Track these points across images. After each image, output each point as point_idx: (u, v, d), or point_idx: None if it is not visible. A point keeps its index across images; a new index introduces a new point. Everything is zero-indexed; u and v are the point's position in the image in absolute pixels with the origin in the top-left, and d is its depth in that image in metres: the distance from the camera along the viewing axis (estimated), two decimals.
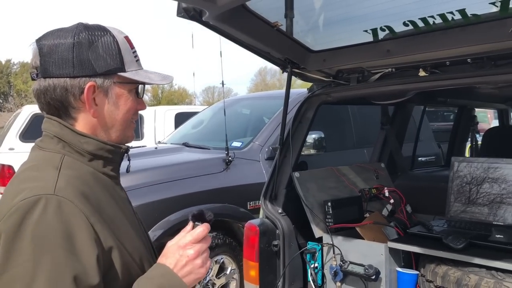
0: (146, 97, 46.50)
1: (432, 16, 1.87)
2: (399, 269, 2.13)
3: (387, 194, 2.66)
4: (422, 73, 2.05)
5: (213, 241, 3.65)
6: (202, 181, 3.78)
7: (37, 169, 1.04)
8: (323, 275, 2.35)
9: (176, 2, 1.96)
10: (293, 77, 2.43)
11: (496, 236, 2.02)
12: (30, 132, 7.21)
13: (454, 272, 1.88)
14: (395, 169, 3.14)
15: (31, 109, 7.64)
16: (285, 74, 2.47)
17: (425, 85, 2.10)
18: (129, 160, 1.23)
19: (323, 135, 4.19)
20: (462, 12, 1.78)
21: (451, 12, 1.82)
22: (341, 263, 2.21)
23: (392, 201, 2.65)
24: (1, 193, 1.03)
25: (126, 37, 1.16)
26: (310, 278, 2.33)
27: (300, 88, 5.05)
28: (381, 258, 2.12)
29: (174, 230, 3.49)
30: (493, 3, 1.71)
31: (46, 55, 1.07)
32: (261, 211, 2.48)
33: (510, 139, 3.88)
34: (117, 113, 1.13)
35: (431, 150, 5.64)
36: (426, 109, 4.20)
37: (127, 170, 1.27)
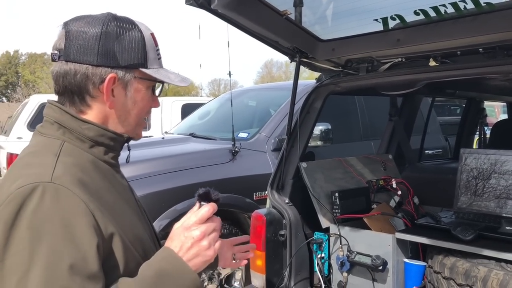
0: None
1: (444, 5, 1.84)
2: (407, 260, 2.12)
3: (394, 185, 2.64)
4: (432, 63, 2.02)
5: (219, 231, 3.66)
6: (208, 171, 3.78)
7: (36, 155, 1.03)
8: (329, 266, 2.34)
9: None
10: (300, 69, 2.42)
11: (506, 228, 2.01)
12: (37, 121, 7.19)
13: (463, 263, 1.86)
14: (403, 161, 3.12)
15: (38, 98, 7.72)
16: (292, 67, 2.45)
17: (435, 75, 2.07)
18: (129, 150, 1.23)
19: (330, 127, 4.17)
20: (475, 0, 1.76)
21: (463, 1, 1.79)
22: (348, 253, 2.20)
23: (399, 192, 2.63)
24: None
25: (152, 34, 1.17)
26: (316, 268, 2.32)
27: (307, 80, 5.02)
28: (388, 249, 2.11)
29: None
30: None
31: (71, 40, 1.06)
32: (268, 201, 2.47)
33: None
34: (132, 108, 1.14)
35: (439, 143, 5.61)
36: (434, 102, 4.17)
37: (127, 161, 1.26)
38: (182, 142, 4.40)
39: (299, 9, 2.21)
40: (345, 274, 2.25)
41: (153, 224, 3.43)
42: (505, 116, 4.55)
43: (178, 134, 4.93)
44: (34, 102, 7.65)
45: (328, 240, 2.34)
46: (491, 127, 4.08)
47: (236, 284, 3.93)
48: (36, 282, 0.87)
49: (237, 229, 3.84)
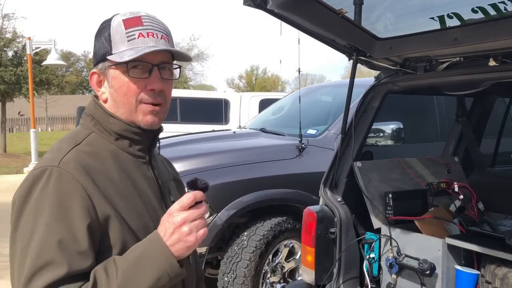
0: (241, 84, 47.51)
1: (503, 2, 1.75)
2: (458, 267, 2.04)
3: (456, 189, 2.54)
4: (492, 63, 1.92)
5: (283, 225, 3.73)
6: (274, 166, 3.85)
7: (61, 142, 1.17)
8: (379, 267, 2.32)
9: None
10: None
11: None
12: None
13: None
14: (471, 165, 2.97)
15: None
16: None
17: (496, 76, 1.96)
18: (158, 142, 1.29)
19: (401, 126, 4.05)
20: None
21: None
22: (396, 255, 2.17)
23: (461, 196, 2.52)
24: None
25: (126, 20, 1.17)
26: (366, 268, 2.31)
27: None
28: (438, 254, 2.05)
29: (246, 211, 3.63)
30: None
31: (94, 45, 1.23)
32: (321, 199, 2.50)
33: None
34: (116, 96, 1.18)
35: None
36: None
37: (158, 153, 1.35)
38: (251, 136, 4.52)
39: (358, 8, 2.21)
40: (394, 276, 2.22)
41: (220, 213, 3.55)
42: None
43: (250, 128, 5.06)
44: None
45: (379, 241, 2.31)
46: None
47: (299, 278, 3.97)
48: (33, 252, 1.00)
49: (301, 225, 3.88)
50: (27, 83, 14.23)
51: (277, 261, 3.81)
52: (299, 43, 3.82)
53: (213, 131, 5.27)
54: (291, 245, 3.88)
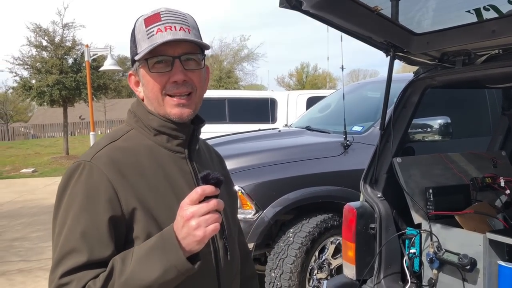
0: (291, 82, 47.44)
1: None
2: (501, 263, 2.01)
3: (502, 183, 2.48)
4: None
5: (329, 222, 3.75)
6: (319, 164, 3.88)
7: (101, 139, 1.26)
8: (420, 262, 2.32)
9: None
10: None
11: None
12: None
13: None
14: None
15: None
16: None
17: None
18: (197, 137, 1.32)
19: (449, 120, 3.96)
20: None
21: None
22: (436, 250, 2.16)
23: (507, 191, 2.46)
24: None
25: (147, 18, 1.20)
26: (407, 264, 2.32)
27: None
28: (479, 249, 2.03)
29: (291, 208, 3.69)
30: None
31: None
32: (361, 195, 2.52)
33: None
34: (147, 92, 1.24)
35: None
36: None
37: (211, 149, 1.43)
38: (296, 135, 4.56)
39: (395, 4, 2.21)
40: (435, 271, 2.21)
41: (266, 210, 3.59)
42: None
43: (295, 127, 5.10)
44: None
45: (420, 236, 2.31)
46: None
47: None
48: (62, 239, 1.10)
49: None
50: (86, 88, 14.90)
51: (324, 257, 3.84)
52: (341, 41, 3.85)
53: (259, 130, 5.35)
54: (337, 242, 3.88)
